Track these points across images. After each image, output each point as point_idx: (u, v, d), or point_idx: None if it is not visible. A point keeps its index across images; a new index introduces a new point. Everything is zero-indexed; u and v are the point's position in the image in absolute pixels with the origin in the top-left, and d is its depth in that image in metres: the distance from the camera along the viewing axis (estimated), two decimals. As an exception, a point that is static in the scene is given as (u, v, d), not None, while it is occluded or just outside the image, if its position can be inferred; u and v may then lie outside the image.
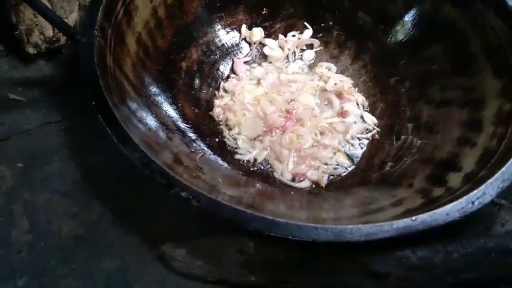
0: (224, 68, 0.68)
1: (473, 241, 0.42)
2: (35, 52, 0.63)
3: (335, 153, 0.61)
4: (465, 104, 0.56)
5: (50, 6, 0.59)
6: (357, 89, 0.67)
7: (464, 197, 0.41)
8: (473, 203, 0.41)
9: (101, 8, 0.52)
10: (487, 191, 0.41)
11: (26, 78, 0.63)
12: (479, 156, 0.48)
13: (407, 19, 0.65)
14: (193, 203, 0.42)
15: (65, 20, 0.59)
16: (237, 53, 0.70)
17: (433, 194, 0.47)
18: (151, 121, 0.55)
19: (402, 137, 0.60)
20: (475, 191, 0.42)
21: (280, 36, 0.71)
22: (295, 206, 0.54)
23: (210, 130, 0.62)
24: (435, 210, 0.40)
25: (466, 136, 0.53)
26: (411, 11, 0.64)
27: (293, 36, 0.71)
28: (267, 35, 0.71)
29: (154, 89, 0.59)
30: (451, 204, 0.41)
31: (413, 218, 0.40)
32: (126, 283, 0.47)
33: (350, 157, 0.61)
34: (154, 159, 0.44)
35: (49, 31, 0.62)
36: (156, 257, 0.48)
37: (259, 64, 0.70)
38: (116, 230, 0.50)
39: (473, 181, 0.44)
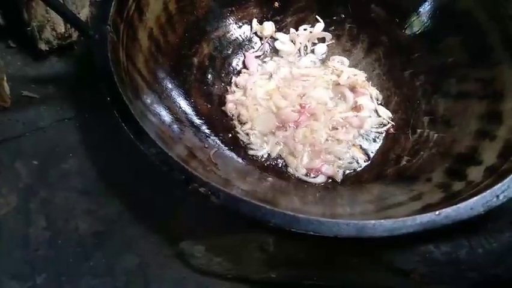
0: (236, 63, 0.68)
1: (497, 236, 0.41)
2: (47, 49, 0.63)
3: (349, 148, 0.60)
4: (483, 97, 0.55)
5: (61, 1, 0.58)
6: (370, 82, 0.66)
7: (488, 191, 0.40)
8: (497, 196, 0.40)
9: (113, 3, 0.52)
10: (511, 184, 0.41)
11: (39, 75, 0.63)
12: (500, 149, 0.48)
13: (421, 10, 0.64)
14: (212, 199, 0.41)
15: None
16: (248, 48, 0.69)
17: (453, 188, 0.47)
18: (165, 116, 0.54)
19: (418, 130, 0.60)
20: (499, 185, 0.41)
21: (292, 30, 0.70)
22: (310, 201, 0.53)
23: (223, 125, 0.62)
24: (459, 205, 0.40)
25: (485, 129, 0.52)
26: (426, 2, 0.63)
27: (305, 30, 0.70)
28: (278, 29, 0.70)
29: (167, 84, 0.59)
30: (475, 198, 0.40)
31: (437, 212, 0.39)
32: (145, 281, 0.47)
33: (365, 152, 0.61)
34: (171, 155, 0.44)
35: (61, 27, 0.62)
36: (175, 254, 0.47)
37: (271, 58, 0.69)
38: (135, 227, 0.50)
39: (496, 174, 0.44)
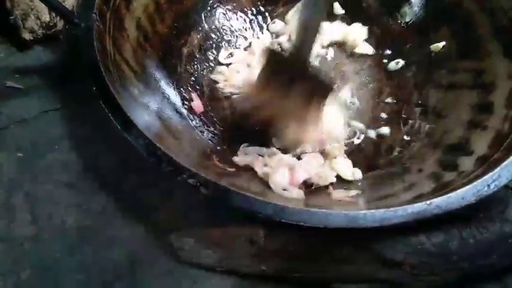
0: (225, 53, 0.67)
1: (489, 226, 0.41)
2: (32, 38, 0.61)
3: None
4: (474, 87, 0.55)
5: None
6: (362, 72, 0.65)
7: (480, 180, 0.40)
8: (488, 186, 0.40)
9: (99, -9, 0.51)
10: (502, 173, 0.41)
11: (23, 65, 0.61)
12: (491, 139, 0.47)
13: (413, 1, 0.64)
14: (202, 191, 0.40)
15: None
16: (238, 38, 0.68)
17: (445, 178, 0.47)
18: (153, 107, 0.53)
19: (410, 121, 0.59)
20: (490, 174, 0.41)
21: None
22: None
23: (213, 117, 0.61)
24: (450, 194, 0.40)
25: (476, 119, 0.52)
26: (418, -7, 0.63)
27: (296, 21, 0.70)
28: (270, 18, 0.69)
29: (155, 75, 0.58)
30: (466, 187, 0.40)
31: (428, 202, 0.39)
32: (133, 274, 0.46)
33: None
34: (159, 146, 0.43)
35: (46, 16, 0.60)
36: (163, 247, 0.47)
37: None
38: (122, 220, 0.49)
39: (487, 164, 0.44)
